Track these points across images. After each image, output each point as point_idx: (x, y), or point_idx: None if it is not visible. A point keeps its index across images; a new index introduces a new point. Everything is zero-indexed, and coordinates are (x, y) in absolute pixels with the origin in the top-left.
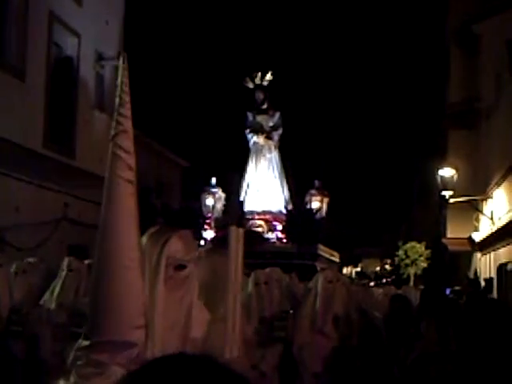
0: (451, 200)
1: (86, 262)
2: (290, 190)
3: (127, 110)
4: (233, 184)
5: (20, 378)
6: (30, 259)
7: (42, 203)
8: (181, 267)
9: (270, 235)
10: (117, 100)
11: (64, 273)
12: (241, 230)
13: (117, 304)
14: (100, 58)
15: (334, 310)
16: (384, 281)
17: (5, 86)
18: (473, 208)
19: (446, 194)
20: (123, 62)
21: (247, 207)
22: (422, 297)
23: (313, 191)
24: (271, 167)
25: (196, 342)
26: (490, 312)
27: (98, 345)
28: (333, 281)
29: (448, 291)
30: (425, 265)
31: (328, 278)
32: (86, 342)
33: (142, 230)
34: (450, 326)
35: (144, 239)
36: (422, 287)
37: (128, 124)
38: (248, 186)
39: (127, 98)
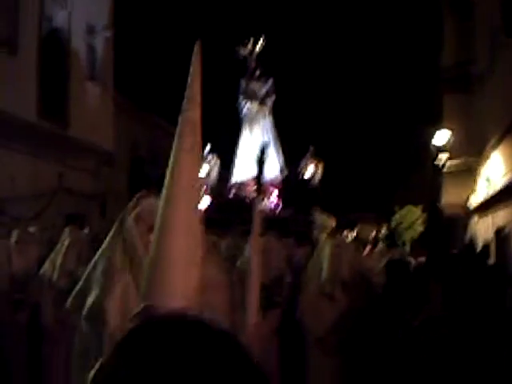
0: (447, 163)
1: (85, 231)
2: (284, 155)
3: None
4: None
5: (24, 344)
6: (31, 228)
7: (38, 174)
8: None
9: (266, 201)
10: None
11: (66, 241)
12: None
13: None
14: (91, 29)
15: (341, 275)
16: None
17: None
18: (469, 171)
19: (442, 156)
20: (197, 50)
21: (242, 175)
22: (428, 260)
23: (307, 157)
24: (265, 133)
25: None
26: (485, 278)
27: None
28: (341, 245)
29: None
30: (421, 228)
31: (336, 243)
32: None
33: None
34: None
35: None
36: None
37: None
38: (243, 152)
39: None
